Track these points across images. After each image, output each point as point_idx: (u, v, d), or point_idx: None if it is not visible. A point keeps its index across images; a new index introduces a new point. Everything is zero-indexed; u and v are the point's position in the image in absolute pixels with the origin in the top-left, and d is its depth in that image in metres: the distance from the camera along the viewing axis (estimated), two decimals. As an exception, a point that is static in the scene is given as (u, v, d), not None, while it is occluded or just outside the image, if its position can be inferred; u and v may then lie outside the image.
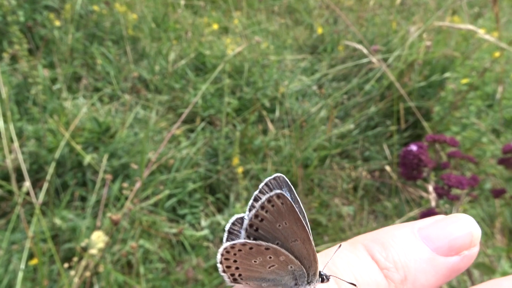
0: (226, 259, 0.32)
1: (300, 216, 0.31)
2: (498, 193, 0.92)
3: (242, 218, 0.34)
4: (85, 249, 1.66)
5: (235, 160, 1.91)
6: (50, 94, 2.29)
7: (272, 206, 0.31)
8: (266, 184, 0.34)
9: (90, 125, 2.20)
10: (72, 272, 1.26)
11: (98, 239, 1.50)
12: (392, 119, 2.53)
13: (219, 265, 0.32)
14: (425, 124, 2.11)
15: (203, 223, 1.98)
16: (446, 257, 0.34)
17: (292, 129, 2.41)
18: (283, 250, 0.31)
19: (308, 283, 0.32)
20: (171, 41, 3.07)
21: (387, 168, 1.95)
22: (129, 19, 3.03)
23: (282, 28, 3.59)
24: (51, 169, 1.61)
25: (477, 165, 2.16)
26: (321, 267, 0.33)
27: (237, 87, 2.75)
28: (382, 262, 0.33)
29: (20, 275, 1.38)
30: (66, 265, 1.31)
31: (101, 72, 2.75)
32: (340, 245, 0.35)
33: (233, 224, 0.34)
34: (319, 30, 3.33)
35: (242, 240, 0.32)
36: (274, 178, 0.34)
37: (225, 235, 0.34)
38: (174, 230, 1.90)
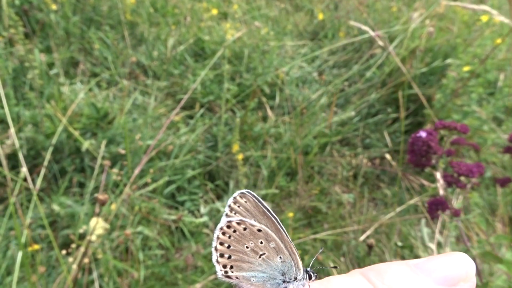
0: (221, 243, 0.33)
1: (265, 210, 0.33)
2: (503, 182, 0.90)
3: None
4: (83, 235, 1.65)
5: (235, 147, 1.89)
6: (47, 79, 2.25)
7: (239, 206, 0.34)
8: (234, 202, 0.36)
9: (88, 111, 2.17)
10: (71, 259, 1.25)
11: (97, 225, 1.49)
12: (393, 107, 2.51)
13: (213, 251, 0.33)
14: (427, 111, 2.09)
15: (203, 210, 1.97)
16: (443, 286, 0.33)
17: (292, 116, 2.39)
18: (274, 235, 0.33)
19: (295, 278, 0.33)
20: (170, 26, 3.03)
21: (387, 156, 1.94)
22: (126, 3, 2.98)
23: (282, 13, 3.55)
24: (48, 155, 1.59)
25: (478, 153, 2.15)
26: None
27: (236, 73, 2.72)
28: (379, 286, 0.33)
29: (19, 259, 1.37)
30: (64, 251, 1.30)
31: (99, 57, 2.71)
32: (322, 248, 0.35)
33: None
34: (320, 16, 3.29)
35: (237, 218, 0.33)
36: (240, 196, 0.35)
37: (225, 213, 0.35)
38: (173, 217, 1.89)
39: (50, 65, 2.49)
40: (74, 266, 1.18)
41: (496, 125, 2.22)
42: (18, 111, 2.04)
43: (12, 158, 1.96)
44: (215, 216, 1.97)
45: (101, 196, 1.10)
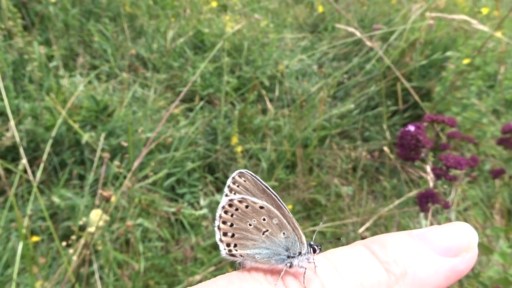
0: (224, 222, 0.33)
1: (265, 187, 0.33)
2: (497, 173, 0.91)
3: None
4: (83, 227, 1.66)
5: (234, 140, 1.89)
6: (47, 72, 2.25)
7: (238, 186, 0.34)
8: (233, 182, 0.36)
9: (88, 103, 2.17)
10: (71, 251, 1.26)
11: (97, 217, 1.50)
12: (392, 99, 2.51)
13: (216, 230, 0.33)
14: (426, 103, 2.09)
15: (202, 202, 1.98)
16: (445, 257, 0.34)
17: (292, 109, 2.39)
18: (276, 211, 0.33)
19: (300, 253, 0.33)
20: (169, 19, 3.02)
21: (385, 149, 1.94)
22: (126, -4, 2.97)
23: (282, 6, 3.53)
24: (48, 148, 1.60)
25: (477, 146, 2.15)
26: (321, 264, 0.33)
27: (236, 66, 2.71)
28: (382, 257, 0.33)
29: (19, 251, 1.38)
30: (64, 243, 1.31)
31: (98, 49, 2.71)
32: (324, 218, 0.35)
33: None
34: (320, 9, 3.28)
35: (239, 196, 0.33)
36: (239, 176, 0.35)
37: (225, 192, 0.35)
38: (173, 209, 1.90)
39: (50, 58, 2.49)
40: (75, 258, 1.19)
41: (496, 117, 2.22)
42: (18, 104, 2.04)
43: (12, 150, 1.96)
44: (214, 208, 1.98)
45: (105, 192, 1.10)
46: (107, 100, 2.23)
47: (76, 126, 1.85)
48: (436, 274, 0.33)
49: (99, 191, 1.26)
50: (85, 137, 1.91)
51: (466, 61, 2.21)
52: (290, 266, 0.33)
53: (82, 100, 2.19)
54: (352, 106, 2.38)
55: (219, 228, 0.33)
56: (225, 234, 0.33)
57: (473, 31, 2.75)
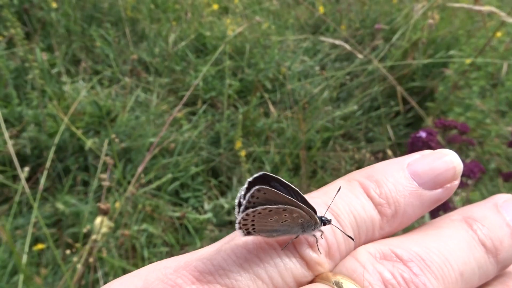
0: (244, 219, 0.35)
1: (283, 193, 0.35)
2: (507, 176, 0.90)
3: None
4: (89, 234, 1.66)
5: (238, 144, 1.89)
6: (49, 78, 2.26)
7: (257, 198, 0.35)
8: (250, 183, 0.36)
9: (91, 109, 2.18)
10: (75, 259, 1.26)
11: (101, 224, 1.50)
12: (395, 100, 2.50)
13: (237, 225, 0.35)
14: (430, 104, 2.08)
15: (207, 206, 1.98)
16: (431, 191, 0.38)
17: (295, 111, 2.38)
18: (297, 209, 0.35)
19: (313, 229, 0.35)
20: (171, 22, 3.02)
21: (388, 151, 1.94)
22: (127, 0, 2.97)
23: (283, 7, 3.53)
24: (50, 155, 1.60)
25: (481, 146, 2.14)
26: (322, 206, 0.36)
27: (238, 69, 2.71)
28: (377, 199, 0.37)
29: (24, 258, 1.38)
30: (69, 251, 1.31)
31: (100, 54, 2.71)
32: (340, 187, 0.38)
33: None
34: (321, 9, 3.27)
35: (263, 206, 0.35)
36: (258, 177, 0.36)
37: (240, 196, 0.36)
38: (177, 214, 1.90)
39: (52, 64, 2.50)
40: (79, 266, 1.19)
41: (500, 116, 2.20)
42: (21, 111, 2.04)
43: (16, 157, 1.97)
44: (219, 212, 1.98)
45: (103, 205, 1.10)
46: (110, 105, 2.23)
47: (79, 132, 1.85)
48: (421, 208, 0.38)
49: (98, 204, 1.26)
50: (88, 143, 1.91)
51: (468, 61, 2.20)
52: (297, 237, 0.36)
53: (85, 105, 2.20)
54: (355, 107, 2.37)
55: (239, 222, 0.35)
56: (245, 224, 0.35)
57: (476, 29, 2.74)
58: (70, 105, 2.13)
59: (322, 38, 1.85)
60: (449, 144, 0.93)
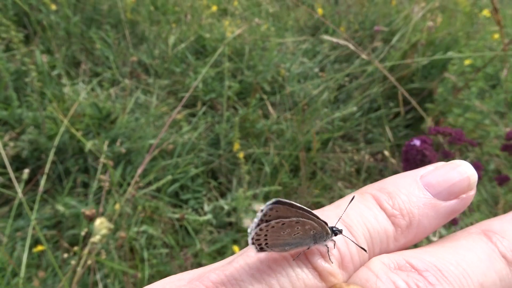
0: (258, 235, 0.35)
1: (298, 210, 0.35)
2: (502, 180, 0.90)
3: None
4: (89, 235, 1.66)
5: (236, 146, 1.89)
6: (49, 80, 2.26)
7: (269, 216, 0.35)
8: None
9: (91, 111, 2.18)
10: (73, 262, 1.26)
11: (101, 225, 1.50)
12: (394, 101, 2.51)
13: (250, 240, 0.35)
14: (429, 105, 2.08)
15: (206, 208, 1.98)
16: (446, 201, 0.37)
17: (294, 112, 2.39)
18: (309, 221, 0.35)
19: (325, 240, 0.36)
20: (170, 24, 3.03)
21: (386, 152, 1.94)
22: (127, 2, 2.98)
23: (283, 9, 3.54)
24: (50, 157, 1.60)
25: (481, 147, 2.14)
26: (335, 219, 0.36)
27: (238, 70, 2.72)
28: (389, 211, 0.37)
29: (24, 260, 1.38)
30: (67, 254, 1.31)
31: (100, 56, 2.72)
32: (353, 197, 0.38)
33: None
34: (320, 11, 3.28)
35: (276, 220, 0.35)
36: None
37: (258, 217, 0.36)
38: (177, 215, 1.90)
39: (52, 66, 2.50)
40: (79, 269, 1.19)
41: (499, 117, 2.20)
42: (21, 113, 2.05)
43: (16, 159, 1.97)
44: (219, 213, 1.98)
45: (88, 211, 1.10)
46: (109, 107, 2.24)
47: (78, 134, 1.86)
48: (437, 219, 0.37)
49: (82, 210, 1.27)
50: (88, 145, 1.91)
51: (467, 62, 2.20)
52: (309, 248, 0.36)
53: (84, 107, 2.20)
54: (354, 108, 2.37)
55: (252, 238, 0.35)
56: (258, 239, 0.35)
57: (475, 31, 2.75)
58: (70, 107, 2.14)
59: (325, 37, 1.85)
60: (450, 144, 0.93)
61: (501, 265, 0.35)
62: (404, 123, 2.46)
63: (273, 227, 0.35)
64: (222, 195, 2.11)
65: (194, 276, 0.34)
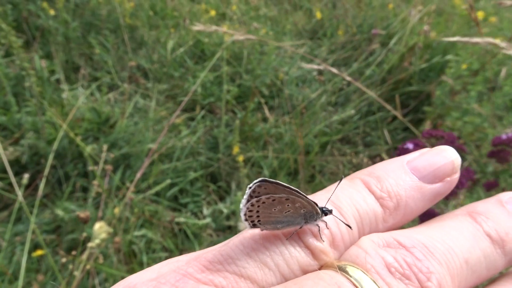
0: (250, 211, 0.36)
1: (286, 188, 0.36)
2: (490, 186, 0.90)
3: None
4: (88, 239, 1.66)
5: (236, 149, 1.90)
6: (48, 85, 2.27)
7: (258, 193, 0.36)
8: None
9: (90, 115, 2.19)
10: (71, 266, 1.26)
11: (101, 229, 1.50)
12: (393, 104, 2.52)
13: (242, 216, 0.37)
14: (427, 108, 2.09)
15: (205, 211, 1.98)
16: (431, 184, 0.39)
17: (293, 116, 2.40)
18: (299, 199, 0.37)
19: (315, 219, 0.37)
20: (169, 29, 3.04)
21: (384, 156, 1.94)
22: (126, 7, 2.99)
23: (281, 13, 3.55)
24: (49, 162, 1.61)
25: (479, 149, 2.15)
26: (324, 202, 0.38)
27: (236, 74, 2.72)
28: (378, 193, 0.38)
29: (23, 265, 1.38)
30: (64, 260, 1.32)
31: (99, 61, 2.73)
32: (342, 178, 0.40)
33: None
34: (318, 15, 3.29)
35: (267, 195, 0.37)
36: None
37: (246, 194, 0.37)
38: (176, 219, 1.90)
39: (51, 71, 2.51)
40: (76, 273, 1.19)
41: (497, 120, 2.21)
42: (20, 118, 2.05)
43: (15, 164, 1.98)
44: (218, 217, 1.98)
45: (82, 214, 1.11)
46: (108, 112, 2.25)
47: (77, 139, 1.86)
48: (423, 201, 0.39)
49: (77, 212, 1.27)
50: (88, 149, 1.92)
51: (465, 66, 2.21)
52: (301, 227, 0.37)
53: (84, 112, 2.21)
54: (352, 111, 2.38)
55: (245, 214, 0.36)
56: (250, 216, 0.37)
57: (472, 34, 2.76)
58: (69, 112, 2.15)
59: (307, 66, 1.88)
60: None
61: (486, 243, 0.37)
62: (402, 126, 2.47)
63: (264, 202, 0.36)
64: (221, 198, 2.11)
65: (192, 258, 0.35)
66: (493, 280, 0.39)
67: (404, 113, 2.45)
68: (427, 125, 2.21)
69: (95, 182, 1.54)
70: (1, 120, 2.06)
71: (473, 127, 2.12)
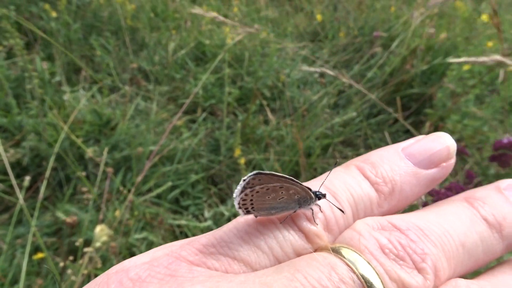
0: (243, 200, 0.36)
1: (280, 177, 0.37)
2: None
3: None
4: (89, 241, 1.66)
5: (237, 152, 1.90)
6: (49, 87, 2.27)
7: (253, 185, 0.36)
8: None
9: (91, 118, 2.18)
10: (69, 271, 1.26)
11: (102, 232, 1.50)
12: (394, 106, 2.51)
13: (236, 204, 0.37)
14: (428, 110, 2.09)
15: (207, 214, 1.98)
16: (427, 169, 0.39)
17: (294, 118, 2.39)
18: (293, 186, 0.37)
19: (309, 204, 0.37)
20: (170, 31, 3.04)
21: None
22: (127, 9, 2.99)
23: (282, 15, 3.55)
24: (50, 164, 1.60)
25: (480, 152, 2.14)
26: (319, 187, 0.38)
27: (238, 76, 2.72)
28: (373, 179, 0.38)
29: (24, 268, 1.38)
30: (64, 263, 1.31)
31: (101, 63, 2.73)
32: (336, 162, 0.41)
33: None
34: (319, 18, 3.29)
35: (261, 186, 0.37)
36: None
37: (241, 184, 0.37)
38: (177, 222, 1.90)
39: (53, 73, 2.51)
40: (78, 277, 1.19)
41: (498, 122, 2.21)
42: (21, 120, 2.05)
43: (16, 166, 1.97)
44: (219, 220, 1.98)
45: (68, 219, 1.11)
46: (110, 114, 2.24)
47: (78, 141, 1.86)
48: (418, 186, 0.39)
49: (63, 218, 1.27)
50: (89, 152, 1.91)
51: (466, 67, 2.21)
52: (295, 211, 0.37)
53: (85, 114, 2.21)
54: (354, 114, 2.38)
55: (239, 203, 0.36)
56: (244, 204, 0.37)
57: (473, 36, 2.76)
58: (70, 114, 2.14)
59: (306, 69, 1.88)
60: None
61: (483, 227, 0.36)
62: (403, 129, 2.46)
63: (257, 192, 0.36)
64: (223, 201, 2.11)
65: (186, 242, 0.36)
66: (491, 267, 0.38)
67: (406, 116, 2.45)
68: (427, 128, 2.21)
69: (85, 188, 1.54)
70: (2, 122, 2.05)
71: (472, 130, 2.11)
